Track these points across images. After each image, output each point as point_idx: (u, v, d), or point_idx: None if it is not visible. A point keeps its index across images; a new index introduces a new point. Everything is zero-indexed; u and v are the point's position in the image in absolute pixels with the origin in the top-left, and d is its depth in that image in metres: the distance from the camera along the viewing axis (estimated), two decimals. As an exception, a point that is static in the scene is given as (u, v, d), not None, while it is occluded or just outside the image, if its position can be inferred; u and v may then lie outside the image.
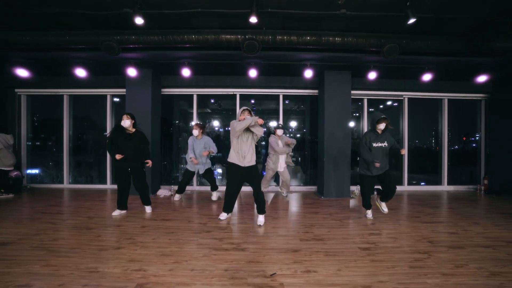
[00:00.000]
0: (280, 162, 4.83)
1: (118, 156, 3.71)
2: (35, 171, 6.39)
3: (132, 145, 3.79)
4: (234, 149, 3.50)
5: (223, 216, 3.74)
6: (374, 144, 3.67)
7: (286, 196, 5.21)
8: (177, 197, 4.92)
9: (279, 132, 4.77)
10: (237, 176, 3.52)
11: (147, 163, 3.96)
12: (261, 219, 3.59)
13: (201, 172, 4.77)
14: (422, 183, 6.49)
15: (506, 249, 2.79)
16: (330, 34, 3.97)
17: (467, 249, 2.77)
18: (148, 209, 4.12)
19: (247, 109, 3.43)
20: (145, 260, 2.48)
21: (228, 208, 3.70)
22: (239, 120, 3.42)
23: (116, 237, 3.04)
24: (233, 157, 3.52)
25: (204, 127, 4.80)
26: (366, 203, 3.90)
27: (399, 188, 6.25)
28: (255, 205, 3.66)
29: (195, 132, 4.69)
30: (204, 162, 4.76)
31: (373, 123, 3.71)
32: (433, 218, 3.92)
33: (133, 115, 3.90)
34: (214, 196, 5.01)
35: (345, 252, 2.69)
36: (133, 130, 3.88)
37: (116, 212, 3.92)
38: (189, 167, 4.76)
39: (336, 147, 5.28)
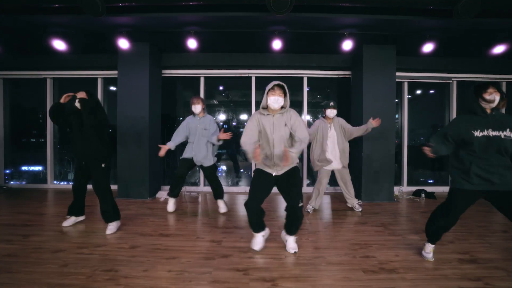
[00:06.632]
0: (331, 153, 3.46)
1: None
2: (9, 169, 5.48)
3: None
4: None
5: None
6: (479, 133, 1.85)
7: (360, 210, 3.72)
8: (170, 205, 3.62)
9: (330, 112, 3.44)
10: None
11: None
12: (292, 243, 2.40)
13: (205, 164, 3.42)
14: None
15: None
16: (386, -17, 2.93)
17: None
18: (108, 229, 2.78)
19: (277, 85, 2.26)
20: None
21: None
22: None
23: (91, 267, 2.07)
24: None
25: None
26: (436, 232, 2.16)
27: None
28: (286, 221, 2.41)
29: (197, 108, 3.40)
30: (206, 153, 3.40)
31: (478, 91, 1.91)
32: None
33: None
34: (222, 207, 3.57)
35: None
36: None
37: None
38: (186, 154, 3.48)
39: (378, 141, 4.24)
